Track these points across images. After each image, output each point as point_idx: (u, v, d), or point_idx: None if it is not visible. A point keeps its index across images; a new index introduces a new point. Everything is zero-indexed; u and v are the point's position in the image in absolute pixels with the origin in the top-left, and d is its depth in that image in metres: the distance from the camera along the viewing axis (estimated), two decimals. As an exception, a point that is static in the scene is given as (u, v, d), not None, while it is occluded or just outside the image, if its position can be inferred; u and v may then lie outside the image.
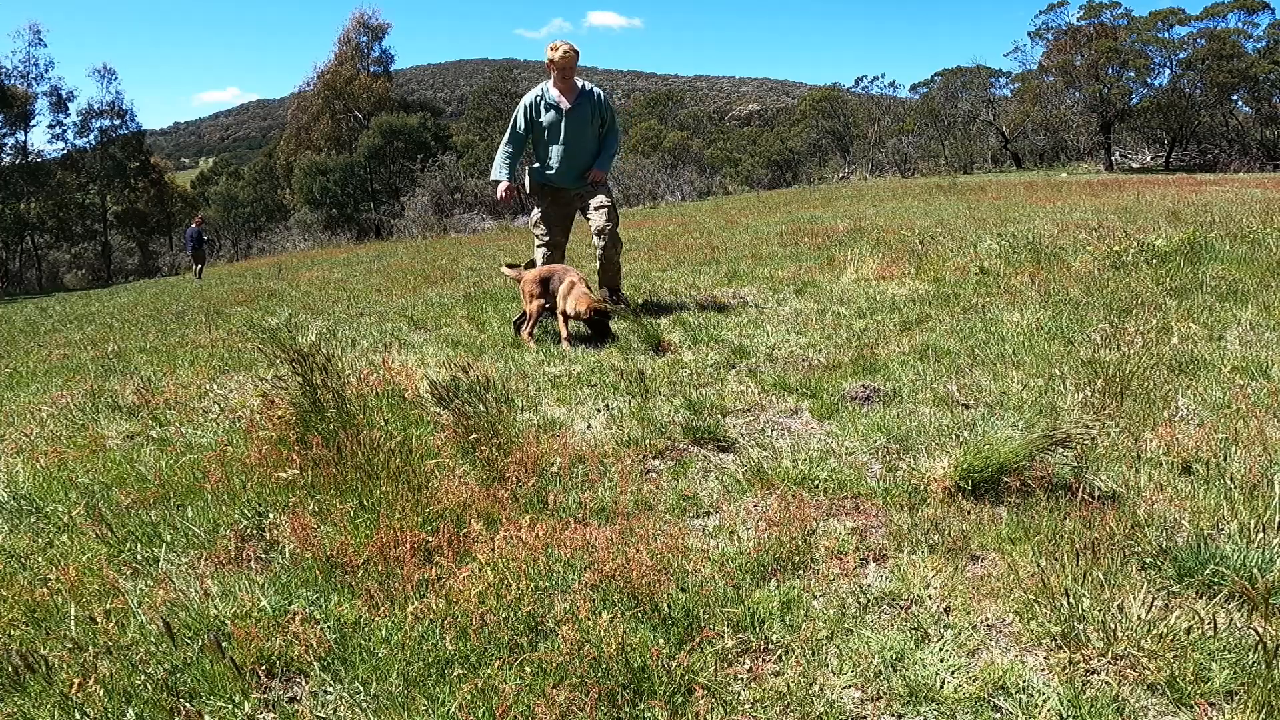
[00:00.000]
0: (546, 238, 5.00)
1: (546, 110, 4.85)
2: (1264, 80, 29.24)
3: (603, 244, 4.95)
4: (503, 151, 4.90)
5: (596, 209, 4.91)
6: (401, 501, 2.21)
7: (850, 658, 1.60)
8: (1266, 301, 3.96)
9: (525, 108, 4.86)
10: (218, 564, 2.12)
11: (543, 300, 4.58)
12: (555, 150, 4.88)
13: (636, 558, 1.84)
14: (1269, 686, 1.38)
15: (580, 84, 4.88)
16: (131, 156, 38.11)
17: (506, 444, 2.60)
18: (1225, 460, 2.26)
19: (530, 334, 4.60)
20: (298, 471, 2.43)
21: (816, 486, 2.36)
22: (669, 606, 1.74)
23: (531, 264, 5.06)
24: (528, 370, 3.95)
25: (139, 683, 1.62)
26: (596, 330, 4.38)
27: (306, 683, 1.65)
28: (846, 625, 1.71)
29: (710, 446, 2.78)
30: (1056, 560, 1.82)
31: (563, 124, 4.82)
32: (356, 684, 1.61)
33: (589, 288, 4.46)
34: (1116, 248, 5.42)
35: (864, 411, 2.95)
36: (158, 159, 44.45)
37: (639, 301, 5.34)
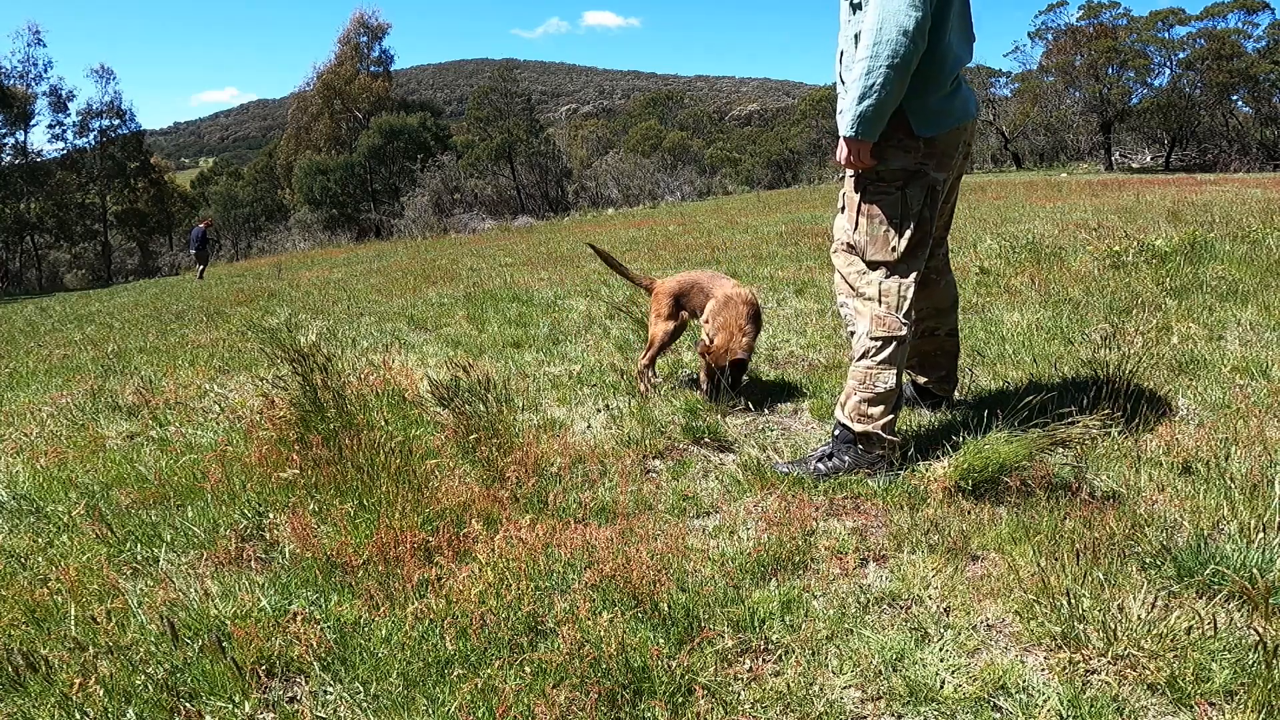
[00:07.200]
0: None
1: None
2: (1264, 80, 29.18)
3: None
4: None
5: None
6: (401, 501, 2.20)
7: (850, 658, 1.60)
8: (1266, 301, 3.96)
9: None
10: (218, 564, 2.12)
11: (675, 323, 3.35)
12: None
13: (636, 558, 1.84)
14: (1269, 686, 1.38)
15: None
16: (131, 156, 38.11)
17: (506, 444, 2.60)
18: (1225, 460, 2.26)
19: (648, 375, 3.37)
20: (298, 471, 2.43)
21: (816, 486, 2.36)
22: (669, 606, 1.74)
23: None
24: (528, 370, 3.95)
25: (139, 683, 1.62)
26: (729, 378, 3.08)
27: (306, 683, 1.65)
28: (846, 625, 1.71)
29: (710, 446, 2.78)
30: (1056, 560, 1.82)
31: None
32: (356, 684, 1.61)
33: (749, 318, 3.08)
34: (1116, 248, 5.42)
35: (864, 411, 2.95)
36: (158, 159, 44.48)
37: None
